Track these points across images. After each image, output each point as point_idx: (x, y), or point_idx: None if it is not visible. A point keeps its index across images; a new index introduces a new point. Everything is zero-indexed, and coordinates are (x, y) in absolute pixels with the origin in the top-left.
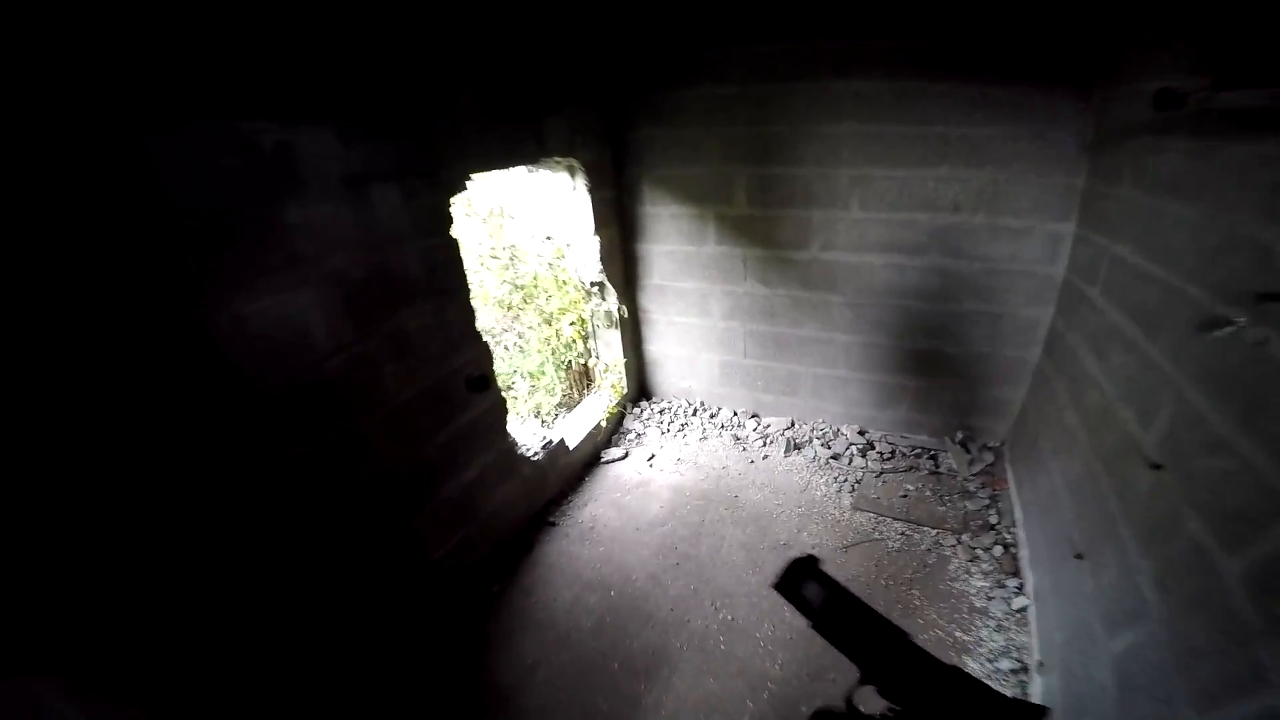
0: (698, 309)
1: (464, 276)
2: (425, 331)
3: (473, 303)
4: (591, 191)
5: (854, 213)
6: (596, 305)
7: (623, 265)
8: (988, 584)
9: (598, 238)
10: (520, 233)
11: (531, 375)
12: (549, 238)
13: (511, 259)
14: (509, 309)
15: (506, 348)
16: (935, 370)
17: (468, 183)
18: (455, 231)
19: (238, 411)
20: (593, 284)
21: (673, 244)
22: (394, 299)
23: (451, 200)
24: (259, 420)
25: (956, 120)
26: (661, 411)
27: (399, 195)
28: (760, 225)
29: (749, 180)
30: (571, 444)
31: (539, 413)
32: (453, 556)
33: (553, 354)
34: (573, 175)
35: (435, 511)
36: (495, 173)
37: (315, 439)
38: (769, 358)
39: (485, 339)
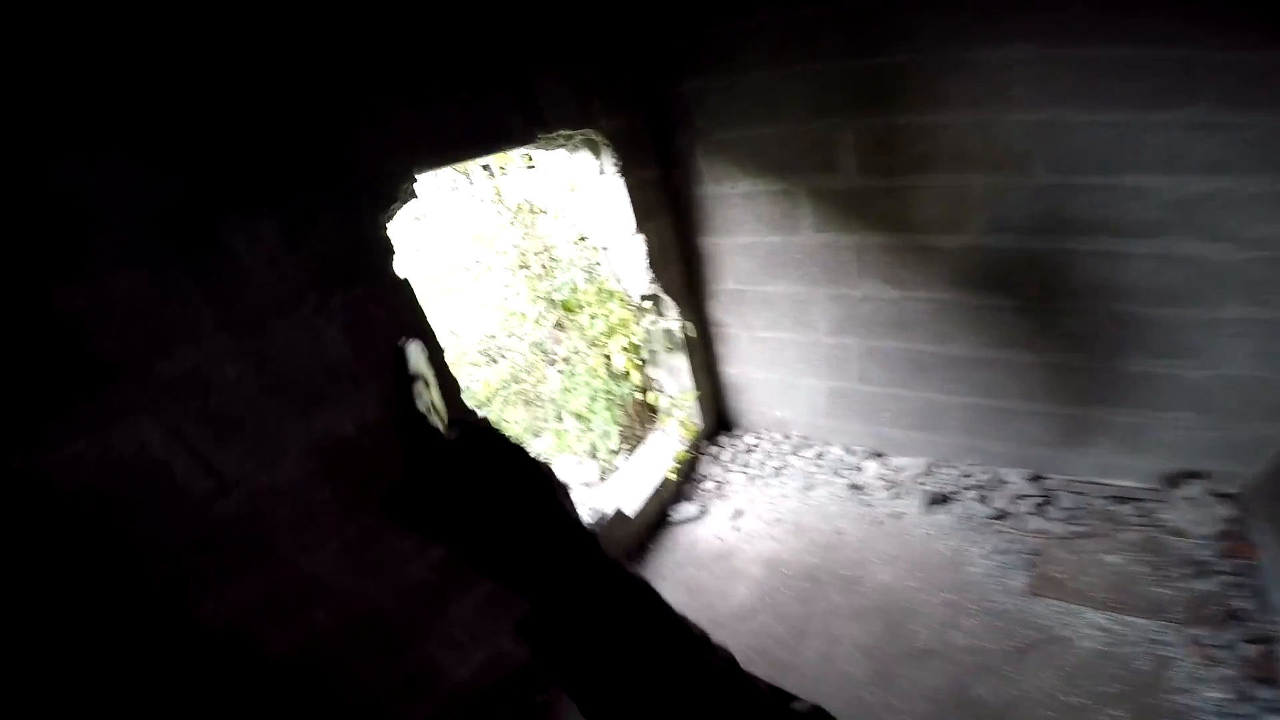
0: (793, 320)
1: (427, 332)
2: (374, 431)
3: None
4: (625, 173)
5: (1039, 177)
6: (652, 324)
7: (683, 267)
8: (1227, 696)
9: (642, 235)
10: (557, 232)
11: (579, 416)
12: (582, 238)
13: (545, 267)
14: (556, 326)
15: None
16: (1161, 399)
17: (411, 186)
18: (401, 268)
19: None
20: (644, 297)
21: (750, 234)
22: (304, 397)
23: (385, 221)
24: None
25: (1211, 39)
26: (749, 450)
27: (277, 231)
28: (882, 201)
29: (859, 137)
30: (631, 510)
31: (595, 453)
32: (482, 674)
33: (603, 388)
34: (596, 153)
35: (447, 633)
36: (466, 164)
37: (227, 601)
38: (899, 384)
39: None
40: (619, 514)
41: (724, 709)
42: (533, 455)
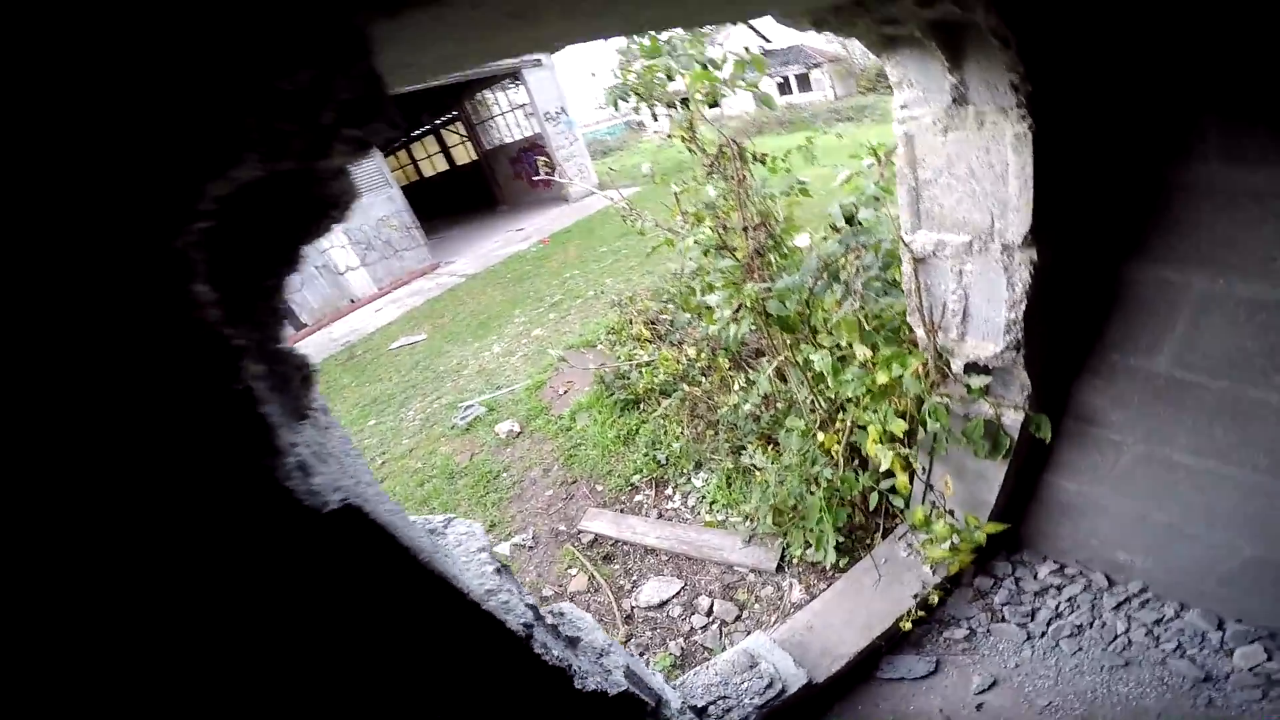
0: (1276, 455)
1: None
2: None
3: None
4: (1037, 113)
5: None
6: (965, 407)
7: (1060, 319)
8: None
9: (1033, 251)
10: (778, 190)
11: (779, 511)
12: (851, 222)
13: (761, 253)
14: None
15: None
16: None
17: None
18: None
19: None
20: (975, 366)
21: None
22: None
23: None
24: None
25: None
26: (1042, 592)
27: None
28: None
29: None
30: (824, 672)
31: (787, 544)
32: None
33: (830, 476)
34: (955, 65)
35: None
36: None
37: None
38: None
39: None
40: (806, 689)
41: None
42: None
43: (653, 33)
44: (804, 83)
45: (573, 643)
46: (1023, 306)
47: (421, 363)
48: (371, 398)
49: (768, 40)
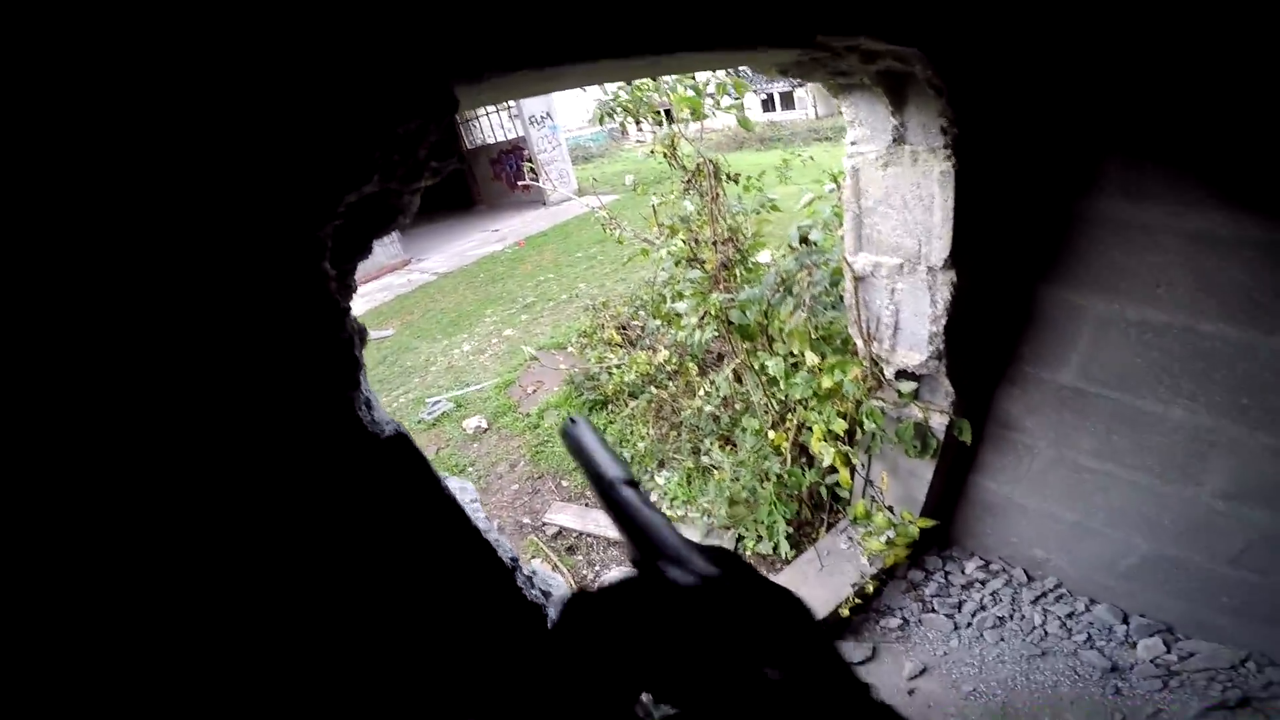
0: (1163, 459)
1: None
2: None
3: None
4: (960, 151)
5: None
6: (898, 410)
7: (982, 333)
8: None
9: (954, 271)
10: (749, 208)
11: (733, 502)
12: (806, 242)
13: (727, 266)
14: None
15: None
16: None
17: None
18: None
19: None
20: (902, 373)
21: (1166, 306)
22: None
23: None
24: None
25: None
26: (968, 586)
27: None
28: None
29: None
30: None
31: (740, 536)
32: None
33: (779, 471)
34: (899, 102)
35: None
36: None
37: None
38: None
39: None
40: None
41: None
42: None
43: None
44: (787, 100)
45: (545, 595)
46: (944, 321)
47: (389, 358)
48: None
49: None
